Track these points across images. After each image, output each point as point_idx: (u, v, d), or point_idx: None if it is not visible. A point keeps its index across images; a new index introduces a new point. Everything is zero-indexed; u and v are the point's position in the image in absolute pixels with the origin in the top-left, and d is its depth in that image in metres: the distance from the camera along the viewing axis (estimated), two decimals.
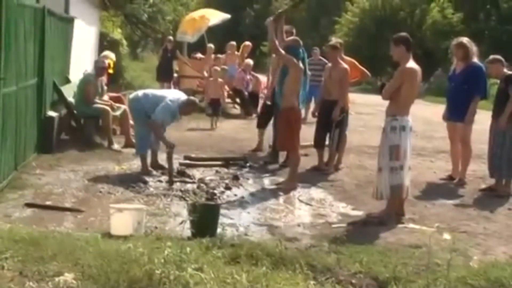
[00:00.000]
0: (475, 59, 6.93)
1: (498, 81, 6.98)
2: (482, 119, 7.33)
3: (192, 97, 7.28)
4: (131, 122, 8.87)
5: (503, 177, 6.67)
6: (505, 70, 6.76)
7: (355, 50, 18.76)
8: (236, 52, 13.87)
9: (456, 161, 7.16)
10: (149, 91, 7.16)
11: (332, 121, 7.18)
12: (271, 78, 8.39)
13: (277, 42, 6.49)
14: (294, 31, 7.77)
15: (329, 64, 7.66)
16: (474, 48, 6.99)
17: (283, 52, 6.43)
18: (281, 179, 6.84)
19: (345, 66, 7.36)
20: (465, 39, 7.06)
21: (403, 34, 5.65)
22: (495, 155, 6.65)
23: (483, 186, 6.85)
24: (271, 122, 7.98)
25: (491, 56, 7.02)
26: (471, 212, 5.87)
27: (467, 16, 25.61)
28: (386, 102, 5.56)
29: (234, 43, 14.03)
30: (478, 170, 7.52)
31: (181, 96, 6.85)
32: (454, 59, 7.19)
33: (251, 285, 3.05)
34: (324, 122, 7.35)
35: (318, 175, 7.15)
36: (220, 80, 11.62)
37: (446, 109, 7.21)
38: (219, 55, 13.79)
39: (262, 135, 8.52)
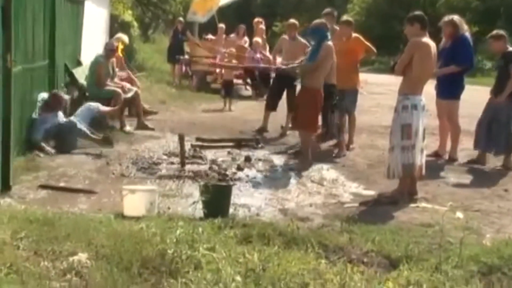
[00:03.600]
0: (466, 33, 6.87)
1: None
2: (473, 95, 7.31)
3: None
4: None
5: (502, 152, 6.65)
6: (508, 47, 6.67)
7: (368, 30, 18.53)
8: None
9: (444, 138, 7.12)
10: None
11: (326, 106, 7.02)
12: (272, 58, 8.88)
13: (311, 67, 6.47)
14: (335, 13, 7.92)
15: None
16: (464, 26, 6.91)
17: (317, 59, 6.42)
18: (293, 160, 6.84)
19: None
20: (455, 17, 6.94)
21: (418, 12, 5.58)
22: (489, 130, 6.61)
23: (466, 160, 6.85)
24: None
25: (495, 31, 6.93)
26: (485, 191, 5.83)
27: None
28: (399, 82, 5.51)
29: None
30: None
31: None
32: (443, 37, 7.06)
33: (263, 264, 3.05)
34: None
35: (330, 155, 7.13)
36: (234, 61, 11.57)
37: (435, 86, 7.14)
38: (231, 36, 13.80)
39: (268, 116, 8.52)
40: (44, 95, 6.84)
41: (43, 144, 6.43)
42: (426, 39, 5.35)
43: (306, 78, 6.58)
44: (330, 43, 6.53)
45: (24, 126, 6.21)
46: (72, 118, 7.01)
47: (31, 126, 6.48)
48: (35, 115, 6.59)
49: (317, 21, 6.75)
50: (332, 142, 7.54)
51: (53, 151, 6.47)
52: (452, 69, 6.77)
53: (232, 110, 10.65)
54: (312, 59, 6.49)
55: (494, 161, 6.92)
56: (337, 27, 7.72)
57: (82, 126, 6.88)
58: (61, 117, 6.86)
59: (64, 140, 6.74)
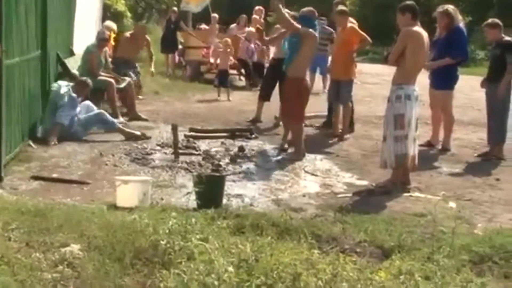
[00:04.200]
0: (460, 24, 6.85)
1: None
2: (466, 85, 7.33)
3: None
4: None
5: (495, 141, 6.70)
6: (503, 35, 6.66)
7: (362, 20, 18.46)
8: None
9: (437, 128, 7.13)
10: None
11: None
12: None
13: (290, 19, 6.39)
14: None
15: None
16: (459, 16, 6.89)
17: (298, 26, 6.35)
18: (286, 151, 6.84)
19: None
20: (450, 7, 6.91)
21: (409, 2, 5.56)
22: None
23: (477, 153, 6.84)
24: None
25: (491, 20, 6.92)
26: (476, 180, 5.86)
27: None
28: (393, 72, 5.51)
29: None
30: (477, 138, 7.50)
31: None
32: (437, 28, 7.03)
33: (256, 255, 3.05)
34: None
35: (323, 145, 7.14)
36: (228, 50, 11.50)
37: (429, 76, 7.14)
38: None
39: (262, 107, 8.51)
40: (63, 84, 7.05)
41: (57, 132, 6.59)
42: (418, 29, 5.35)
43: (290, 68, 6.52)
44: (315, 32, 6.47)
45: (25, 117, 6.17)
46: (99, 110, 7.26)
47: (55, 111, 6.73)
48: (61, 101, 6.81)
49: (305, 9, 6.72)
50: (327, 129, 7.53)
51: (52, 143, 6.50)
52: (447, 61, 6.76)
53: (230, 100, 10.60)
54: (295, 48, 6.43)
55: (483, 150, 6.93)
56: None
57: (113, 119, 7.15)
58: (91, 106, 7.12)
59: (86, 129, 7.02)
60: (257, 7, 12.74)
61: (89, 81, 7.44)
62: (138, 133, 7.07)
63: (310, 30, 6.40)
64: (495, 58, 6.70)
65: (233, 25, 13.87)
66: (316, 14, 6.62)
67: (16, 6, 5.73)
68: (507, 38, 6.64)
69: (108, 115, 7.19)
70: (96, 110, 7.25)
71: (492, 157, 6.61)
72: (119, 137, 7.03)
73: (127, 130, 7.10)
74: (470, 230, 4.25)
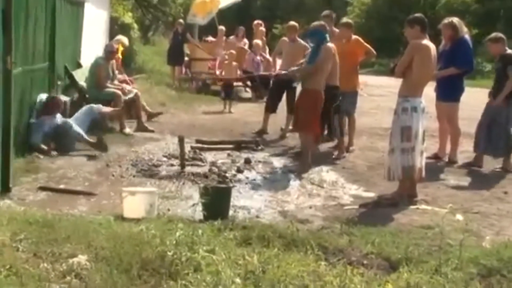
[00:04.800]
0: (466, 35, 6.88)
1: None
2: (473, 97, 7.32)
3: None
4: (144, 104, 8.93)
5: (501, 154, 6.66)
6: (506, 49, 6.69)
7: (368, 32, 18.61)
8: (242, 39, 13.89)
9: (444, 140, 7.13)
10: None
11: (329, 108, 7.00)
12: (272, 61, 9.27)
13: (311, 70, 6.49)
14: (334, 15, 7.97)
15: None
16: (464, 28, 6.92)
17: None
18: (293, 162, 6.84)
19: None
20: (455, 19, 6.94)
21: (418, 14, 5.59)
22: (489, 133, 6.63)
23: (496, 166, 6.83)
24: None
25: (494, 34, 6.94)
26: (484, 193, 5.83)
27: None
28: (399, 84, 5.51)
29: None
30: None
31: None
32: (443, 40, 7.06)
33: (263, 266, 3.05)
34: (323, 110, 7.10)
35: (330, 157, 7.13)
36: (234, 63, 11.56)
37: (435, 88, 7.15)
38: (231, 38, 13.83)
39: (268, 118, 8.53)
40: (42, 97, 6.84)
41: (43, 146, 6.43)
42: (427, 42, 5.36)
43: (306, 80, 6.58)
44: (329, 44, 6.54)
45: (23, 127, 6.21)
46: (68, 119, 7.00)
47: (29, 129, 6.48)
48: (32, 119, 6.59)
49: (315, 23, 6.76)
50: (332, 144, 7.54)
51: (55, 153, 6.47)
52: (452, 71, 6.78)
53: (232, 112, 10.65)
54: (311, 61, 6.49)
55: (493, 163, 6.92)
56: (336, 29, 7.74)
57: (78, 128, 6.86)
58: (58, 118, 6.86)
59: (61, 142, 6.73)
60: (255, 22, 12.92)
61: (63, 98, 7.37)
62: (93, 140, 6.91)
63: (327, 44, 6.48)
64: (499, 71, 6.74)
65: (232, 37, 13.98)
66: (327, 27, 6.69)
67: (26, 18, 5.79)
68: (509, 51, 6.67)
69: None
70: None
71: (506, 170, 6.61)
72: (124, 148, 7.05)
73: (87, 139, 6.90)
74: (478, 243, 4.22)
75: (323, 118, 6.88)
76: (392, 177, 5.41)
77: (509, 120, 6.67)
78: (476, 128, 6.92)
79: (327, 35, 6.62)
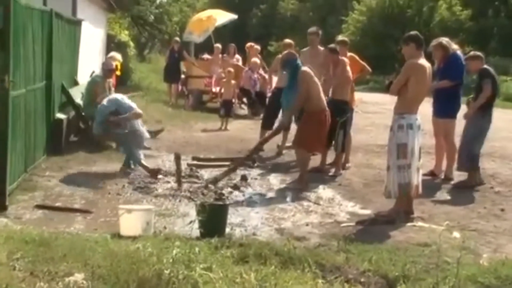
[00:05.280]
0: (457, 52, 7.02)
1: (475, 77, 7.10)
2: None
3: None
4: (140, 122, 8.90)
5: (467, 169, 6.70)
6: (484, 65, 6.83)
7: (363, 49, 18.73)
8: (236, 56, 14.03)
9: (440, 157, 7.16)
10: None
11: (335, 123, 7.05)
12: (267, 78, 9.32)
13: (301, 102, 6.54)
14: (320, 32, 8.23)
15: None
16: (454, 46, 7.08)
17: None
18: (289, 179, 6.85)
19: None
20: (444, 40, 7.06)
21: (413, 32, 5.65)
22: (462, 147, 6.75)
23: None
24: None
25: (472, 52, 7.21)
26: (481, 211, 5.84)
27: (476, 12, 25.45)
28: (394, 101, 5.55)
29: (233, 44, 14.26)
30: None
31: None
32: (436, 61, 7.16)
33: (260, 284, 3.05)
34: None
35: (326, 175, 7.14)
36: (232, 81, 11.63)
37: (432, 104, 7.21)
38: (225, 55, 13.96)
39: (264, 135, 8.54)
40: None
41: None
42: (423, 61, 5.42)
43: (304, 106, 6.60)
44: (304, 68, 6.60)
45: (27, 148, 6.18)
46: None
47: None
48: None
49: (284, 53, 6.99)
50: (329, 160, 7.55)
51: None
52: (445, 84, 6.87)
53: (228, 129, 10.67)
54: (291, 86, 6.69)
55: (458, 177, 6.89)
56: (321, 48, 7.82)
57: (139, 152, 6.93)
58: (139, 125, 7.05)
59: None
60: (248, 44, 13.09)
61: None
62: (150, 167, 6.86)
63: (302, 69, 6.56)
64: (477, 86, 6.86)
65: (224, 55, 14.09)
66: (296, 55, 6.99)
67: (24, 37, 5.83)
68: (485, 66, 6.83)
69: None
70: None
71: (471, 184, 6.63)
72: (120, 166, 7.03)
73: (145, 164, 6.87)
74: (475, 260, 4.22)
75: (330, 133, 6.89)
76: (389, 195, 5.42)
77: (482, 132, 6.69)
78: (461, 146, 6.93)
79: (298, 60, 6.80)
